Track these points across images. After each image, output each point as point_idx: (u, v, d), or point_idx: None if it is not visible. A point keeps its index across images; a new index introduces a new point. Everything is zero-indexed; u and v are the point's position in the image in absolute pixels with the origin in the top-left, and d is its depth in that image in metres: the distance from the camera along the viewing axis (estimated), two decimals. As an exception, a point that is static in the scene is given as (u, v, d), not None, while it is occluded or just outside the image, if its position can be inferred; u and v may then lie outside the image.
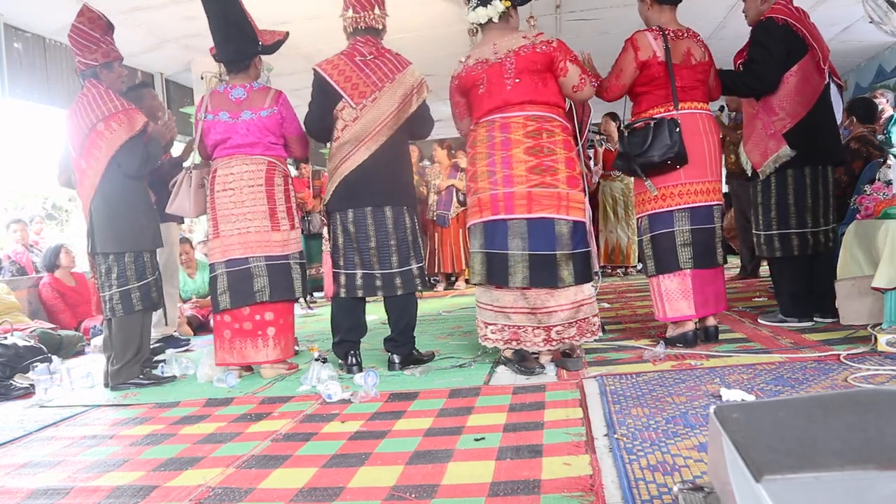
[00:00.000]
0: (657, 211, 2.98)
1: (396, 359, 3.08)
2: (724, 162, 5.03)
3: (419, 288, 3.11)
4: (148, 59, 5.98)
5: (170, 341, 4.21)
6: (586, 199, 2.91)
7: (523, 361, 2.76)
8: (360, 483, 1.71)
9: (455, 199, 6.65)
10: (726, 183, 5.35)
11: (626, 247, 6.70)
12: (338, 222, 3.07)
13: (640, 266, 6.49)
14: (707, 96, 3.06)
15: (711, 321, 3.06)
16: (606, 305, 4.52)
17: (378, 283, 3.04)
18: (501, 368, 2.88)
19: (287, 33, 3.17)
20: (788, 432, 0.97)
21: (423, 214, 6.71)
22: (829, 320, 3.22)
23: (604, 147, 6.79)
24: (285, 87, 3.88)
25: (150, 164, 3.20)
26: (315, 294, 6.71)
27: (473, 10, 2.83)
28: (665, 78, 2.91)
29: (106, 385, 3.20)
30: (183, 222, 4.99)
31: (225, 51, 3.05)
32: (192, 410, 2.67)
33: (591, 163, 6.51)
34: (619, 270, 6.83)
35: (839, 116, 3.44)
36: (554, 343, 2.76)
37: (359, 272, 3.05)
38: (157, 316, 3.63)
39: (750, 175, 3.43)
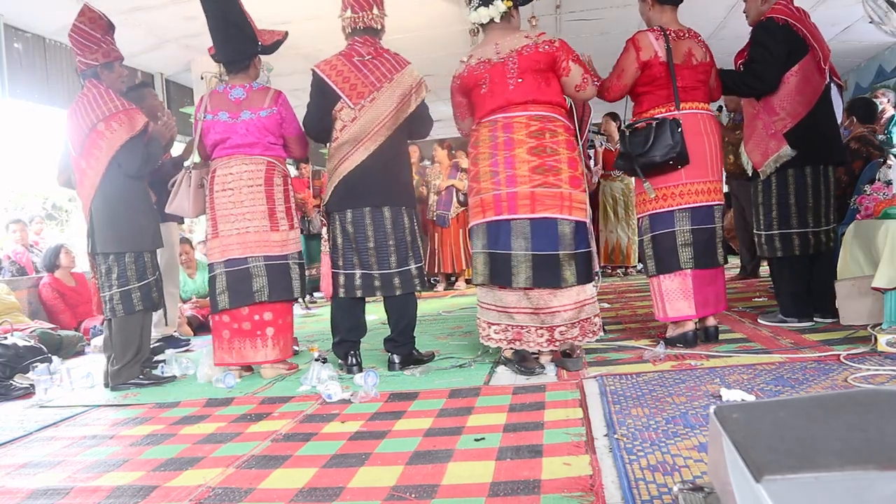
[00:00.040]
0: (658, 211, 2.98)
1: (396, 359, 3.08)
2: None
3: (418, 288, 3.11)
4: (148, 59, 5.98)
5: (170, 341, 4.21)
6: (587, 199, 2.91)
7: (523, 361, 2.76)
8: (360, 483, 1.71)
9: (455, 199, 6.65)
10: (725, 183, 5.35)
11: (626, 247, 6.70)
12: (337, 222, 3.07)
13: (640, 266, 6.49)
14: (708, 97, 3.06)
15: (711, 321, 3.06)
16: (606, 305, 4.52)
17: (376, 283, 3.04)
18: (501, 368, 2.88)
19: (286, 33, 3.17)
20: (788, 432, 0.97)
21: (424, 214, 6.71)
22: (829, 320, 3.22)
23: (604, 147, 6.78)
24: (285, 87, 3.88)
25: (150, 164, 3.20)
26: (315, 294, 6.71)
27: (475, 10, 2.83)
28: (666, 78, 2.91)
29: (106, 385, 3.20)
30: (183, 222, 4.99)
31: (224, 51, 3.05)
32: (192, 410, 2.67)
33: (591, 163, 6.51)
34: (619, 270, 6.83)
35: (839, 117, 3.44)
36: (557, 343, 2.76)
37: (357, 272, 3.05)
38: (157, 316, 3.63)
39: (751, 175, 3.43)
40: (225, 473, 1.88)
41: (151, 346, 3.49)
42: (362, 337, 3.17)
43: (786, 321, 3.30)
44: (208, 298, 3.26)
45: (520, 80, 2.74)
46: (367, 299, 3.17)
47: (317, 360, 2.96)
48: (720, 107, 5.44)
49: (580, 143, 2.95)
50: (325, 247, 3.13)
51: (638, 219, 3.17)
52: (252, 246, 3.04)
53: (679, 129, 2.85)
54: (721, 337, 3.07)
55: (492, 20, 2.82)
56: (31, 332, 4.02)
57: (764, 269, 5.43)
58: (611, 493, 1.50)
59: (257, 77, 3.18)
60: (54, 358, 3.48)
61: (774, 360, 2.59)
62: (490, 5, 2.78)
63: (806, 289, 3.29)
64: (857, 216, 3.13)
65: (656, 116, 2.92)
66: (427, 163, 7.54)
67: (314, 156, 7.46)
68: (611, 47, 3.37)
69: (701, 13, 5.46)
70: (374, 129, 2.95)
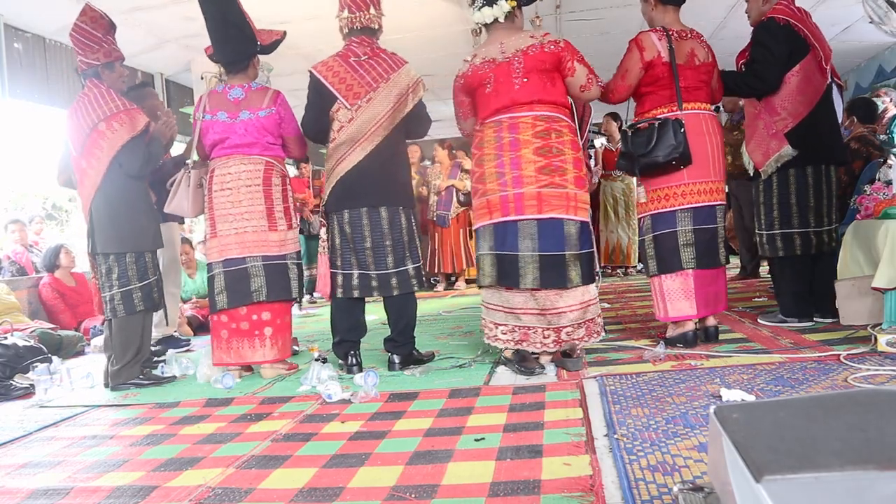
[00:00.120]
0: (660, 211, 2.99)
1: (396, 359, 3.08)
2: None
3: (416, 288, 3.10)
4: (148, 59, 5.98)
5: (170, 341, 4.21)
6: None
7: (523, 361, 2.76)
8: (360, 483, 1.71)
9: (455, 199, 6.64)
10: (725, 183, 5.34)
11: (627, 247, 6.70)
12: (334, 223, 3.07)
13: (640, 266, 6.50)
14: (710, 97, 3.06)
15: (711, 321, 3.06)
16: (606, 305, 4.52)
17: (374, 283, 3.04)
18: (501, 369, 2.88)
19: (284, 32, 3.17)
20: (788, 432, 0.97)
21: (424, 214, 6.71)
22: (830, 320, 3.22)
23: (604, 147, 6.78)
24: (285, 87, 3.88)
25: (151, 164, 3.20)
26: (315, 294, 6.71)
27: (479, 9, 2.82)
28: (669, 78, 2.91)
29: (106, 385, 3.20)
30: (184, 222, 5.00)
31: (223, 51, 3.05)
32: (192, 411, 2.66)
33: (591, 163, 6.51)
34: (619, 270, 6.83)
35: (840, 117, 3.44)
36: (564, 344, 2.76)
37: (355, 272, 3.05)
38: (157, 316, 3.63)
39: (752, 175, 3.43)
40: (225, 473, 1.88)
41: (152, 347, 3.48)
42: (362, 337, 3.17)
43: (786, 321, 3.30)
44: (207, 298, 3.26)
45: (525, 80, 2.73)
46: (366, 299, 3.17)
47: (317, 360, 2.96)
48: (717, 107, 5.44)
49: (581, 143, 2.94)
50: (322, 248, 3.13)
51: (639, 219, 3.17)
52: (250, 246, 3.04)
53: (682, 130, 2.85)
54: (721, 337, 3.07)
55: (496, 20, 2.81)
56: (31, 332, 4.02)
57: (764, 269, 5.43)
58: (611, 493, 1.50)
59: (256, 77, 3.18)
60: (54, 358, 3.47)
61: (774, 360, 2.59)
62: (494, 5, 2.77)
63: (807, 289, 3.29)
64: (857, 216, 3.13)
65: (659, 116, 2.92)
66: (427, 163, 7.54)
67: (314, 155, 7.45)
68: (611, 47, 3.38)
69: (701, 13, 5.46)
70: (371, 129, 2.95)
